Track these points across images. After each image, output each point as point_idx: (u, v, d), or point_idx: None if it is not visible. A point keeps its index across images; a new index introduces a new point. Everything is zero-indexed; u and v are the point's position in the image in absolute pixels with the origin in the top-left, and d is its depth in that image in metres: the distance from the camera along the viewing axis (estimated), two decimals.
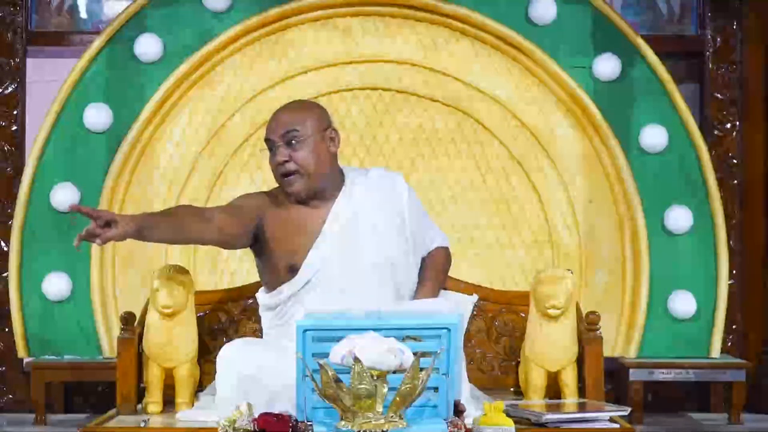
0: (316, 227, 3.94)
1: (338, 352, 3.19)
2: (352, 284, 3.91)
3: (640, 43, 5.31)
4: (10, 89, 5.56)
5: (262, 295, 4.07)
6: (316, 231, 3.94)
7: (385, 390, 3.19)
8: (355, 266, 3.93)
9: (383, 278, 3.95)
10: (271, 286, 4.01)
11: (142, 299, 4.26)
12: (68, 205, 3.68)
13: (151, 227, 3.71)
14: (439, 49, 5.34)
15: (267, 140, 3.95)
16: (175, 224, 3.79)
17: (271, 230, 3.96)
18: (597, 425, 3.72)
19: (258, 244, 4.00)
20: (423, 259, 4.13)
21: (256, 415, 3.37)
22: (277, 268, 3.97)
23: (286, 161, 3.90)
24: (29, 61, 5.61)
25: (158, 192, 5.26)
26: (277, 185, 4.02)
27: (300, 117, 3.92)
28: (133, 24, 5.29)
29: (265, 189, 4.13)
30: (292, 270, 3.94)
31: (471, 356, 4.37)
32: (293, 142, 3.90)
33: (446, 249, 4.22)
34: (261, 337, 4.15)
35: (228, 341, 3.93)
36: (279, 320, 4.00)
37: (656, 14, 5.70)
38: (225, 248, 4.17)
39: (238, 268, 5.24)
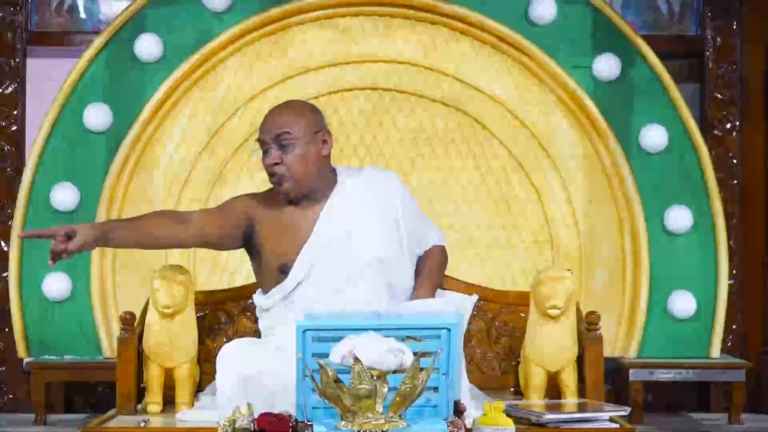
0: (307, 228, 3.95)
1: (338, 352, 3.19)
2: (344, 284, 3.92)
3: (640, 43, 5.31)
4: (10, 89, 5.56)
5: (258, 297, 4.07)
6: (308, 231, 3.95)
7: (385, 390, 3.19)
8: (347, 266, 3.93)
9: (376, 277, 3.95)
10: (266, 288, 4.02)
11: (142, 299, 4.25)
12: (18, 234, 3.71)
13: (116, 234, 3.75)
14: (439, 49, 5.34)
15: (259, 140, 3.96)
16: (142, 228, 3.83)
17: (263, 231, 3.98)
18: (597, 425, 3.72)
19: (251, 245, 4.01)
20: (419, 258, 4.13)
21: (256, 415, 3.37)
22: (270, 269, 3.98)
23: (277, 164, 3.91)
24: (29, 61, 5.61)
25: (158, 192, 5.26)
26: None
27: (292, 119, 3.93)
28: (133, 24, 5.29)
29: (264, 189, 4.13)
30: (284, 271, 3.94)
31: (471, 356, 4.37)
32: (284, 144, 3.91)
33: (442, 247, 4.21)
34: (260, 337, 4.15)
35: (228, 341, 3.93)
36: (272, 322, 4.00)
37: (656, 14, 5.70)
38: (212, 249, 4.19)
39: (238, 268, 5.24)
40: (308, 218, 3.96)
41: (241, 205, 4.02)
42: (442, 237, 4.24)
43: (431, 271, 4.12)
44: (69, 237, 3.63)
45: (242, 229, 3.98)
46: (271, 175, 3.95)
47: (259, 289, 4.08)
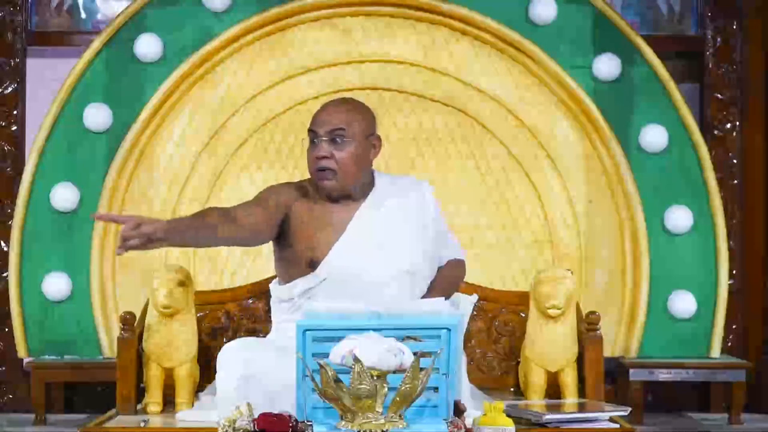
0: (340, 226, 3.93)
1: (338, 352, 3.20)
2: (368, 289, 3.87)
3: (640, 43, 5.31)
4: (10, 89, 5.56)
5: (275, 287, 4.04)
6: (340, 230, 3.93)
7: (385, 390, 3.19)
8: (373, 272, 3.91)
9: (401, 287, 3.93)
10: (287, 278, 3.98)
11: (142, 299, 4.26)
12: (91, 215, 3.62)
13: (182, 235, 3.69)
14: (439, 49, 5.34)
15: (311, 131, 3.93)
16: (205, 230, 3.75)
17: (296, 222, 3.94)
18: (597, 425, 3.72)
19: (282, 235, 3.97)
20: (438, 268, 4.12)
21: (256, 415, 3.38)
22: (297, 261, 3.94)
23: (326, 157, 3.89)
24: (29, 61, 5.61)
25: (158, 192, 5.26)
26: (308, 177, 4.02)
27: (350, 117, 3.91)
28: (133, 24, 5.29)
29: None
30: (312, 265, 3.92)
31: (471, 356, 4.38)
32: (338, 140, 3.89)
33: (461, 261, 4.20)
34: (262, 336, 4.15)
35: (228, 341, 3.92)
36: (293, 314, 3.97)
37: (656, 14, 5.70)
38: (253, 245, 4.13)
39: (238, 268, 5.24)
40: (343, 216, 3.94)
41: (278, 195, 3.96)
42: (463, 252, 4.23)
43: (444, 280, 4.09)
44: (137, 227, 3.56)
45: (281, 220, 3.95)
46: (318, 169, 3.92)
47: (276, 279, 4.06)
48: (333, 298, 3.83)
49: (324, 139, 3.89)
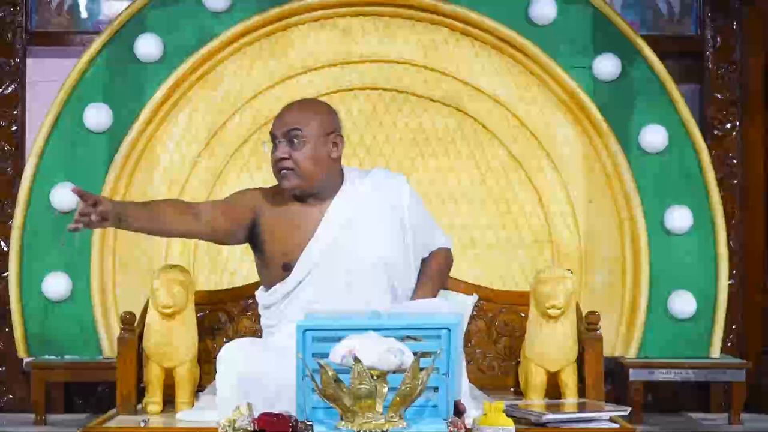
0: (311, 226, 3.95)
1: (338, 352, 3.20)
2: (346, 285, 3.91)
3: (640, 43, 5.32)
4: (10, 89, 5.56)
5: (260, 294, 4.07)
6: (312, 230, 3.95)
7: (385, 390, 3.19)
8: (349, 267, 3.93)
9: (378, 279, 3.95)
10: (268, 285, 4.01)
11: (142, 299, 4.26)
12: (71, 189, 3.70)
13: (132, 215, 3.76)
14: (439, 49, 5.34)
15: (271, 134, 3.96)
16: (158, 217, 3.83)
17: (267, 227, 3.97)
18: (597, 425, 3.73)
19: (254, 240, 4.00)
20: (423, 259, 4.13)
21: (256, 415, 3.38)
22: (273, 266, 3.97)
23: (285, 158, 3.91)
24: (29, 61, 5.61)
25: (158, 192, 5.26)
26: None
27: (305, 117, 3.93)
28: (133, 24, 5.29)
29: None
30: (286, 268, 3.94)
31: (471, 356, 4.38)
32: (295, 141, 3.91)
33: (447, 250, 4.21)
34: (261, 336, 4.15)
35: (228, 341, 3.93)
36: (273, 320, 4.00)
37: (656, 14, 5.70)
38: (216, 243, 4.18)
39: (238, 268, 5.24)
40: (313, 217, 3.96)
41: (247, 199, 4.02)
42: (448, 240, 4.23)
43: (433, 272, 4.12)
44: (95, 205, 3.63)
45: (248, 223, 3.98)
46: (277, 170, 3.95)
47: (262, 286, 4.08)
48: (313, 299, 3.86)
49: (282, 140, 3.92)
